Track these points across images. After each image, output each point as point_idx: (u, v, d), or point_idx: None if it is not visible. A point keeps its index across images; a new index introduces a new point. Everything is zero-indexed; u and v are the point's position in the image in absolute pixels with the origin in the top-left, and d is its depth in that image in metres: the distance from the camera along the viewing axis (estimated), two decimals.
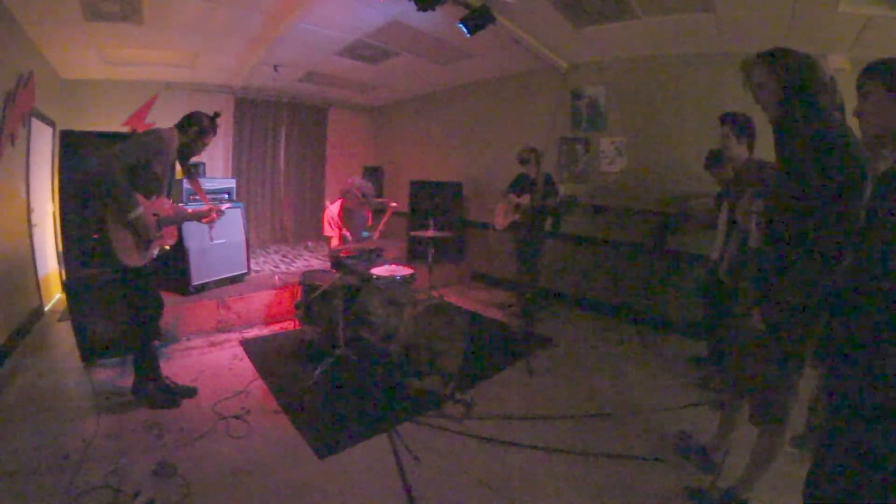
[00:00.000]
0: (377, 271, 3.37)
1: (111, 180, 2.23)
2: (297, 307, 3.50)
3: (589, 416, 2.69)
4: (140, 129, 3.88)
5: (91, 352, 3.07)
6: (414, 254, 5.58)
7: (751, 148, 2.61)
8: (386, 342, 2.94)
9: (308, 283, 3.42)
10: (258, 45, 4.72)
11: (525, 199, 4.08)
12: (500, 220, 4.36)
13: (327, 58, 5.21)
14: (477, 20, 3.58)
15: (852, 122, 1.41)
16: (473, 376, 3.06)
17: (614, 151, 4.72)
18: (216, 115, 2.70)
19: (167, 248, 2.70)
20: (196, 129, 2.57)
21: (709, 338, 3.39)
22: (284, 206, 7.35)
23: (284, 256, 6.14)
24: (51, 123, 4.55)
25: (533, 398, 2.89)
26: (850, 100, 1.42)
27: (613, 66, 4.66)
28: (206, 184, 4.55)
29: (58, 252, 4.61)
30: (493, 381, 3.11)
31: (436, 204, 5.82)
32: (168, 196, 2.64)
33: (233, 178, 6.13)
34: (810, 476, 1.35)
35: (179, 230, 3.09)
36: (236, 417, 2.51)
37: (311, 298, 3.27)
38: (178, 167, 2.72)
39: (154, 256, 2.56)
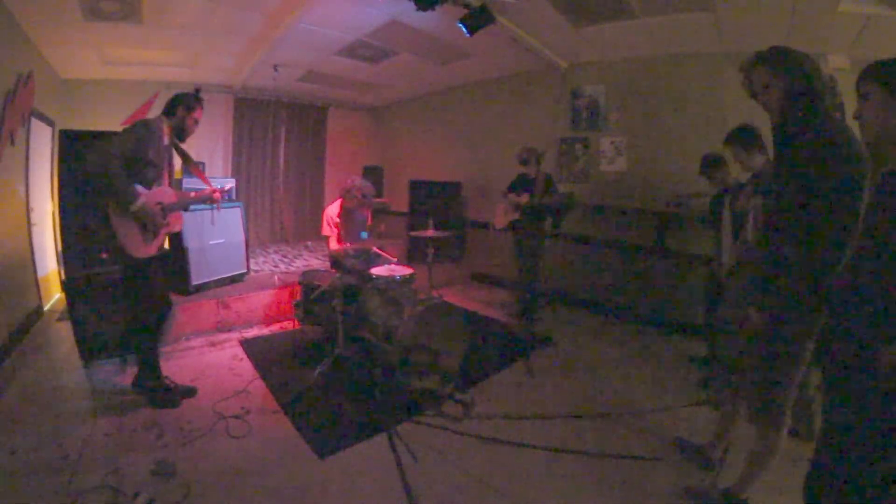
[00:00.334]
0: (377, 271, 3.37)
1: (109, 176, 2.24)
2: (296, 307, 3.50)
3: (588, 416, 2.69)
4: None
5: (90, 351, 3.07)
6: (413, 254, 5.58)
7: (763, 149, 2.58)
8: (385, 342, 2.93)
9: (307, 282, 3.42)
10: (258, 44, 4.72)
11: (524, 199, 4.08)
12: (500, 219, 4.35)
13: (327, 57, 5.21)
14: (477, 20, 3.58)
15: (852, 123, 1.41)
16: (473, 376, 3.06)
17: (614, 151, 4.72)
18: (198, 90, 2.71)
19: (177, 230, 2.73)
20: (183, 107, 2.58)
21: (709, 338, 3.39)
22: (284, 206, 7.35)
23: (284, 256, 6.14)
24: (50, 123, 4.55)
25: (532, 398, 2.89)
26: (849, 101, 1.42)
27: (613, 66, 4.66)
28: None
29: (57, 252, 4.61)
30: (492, 381, 3.10)
31: (435, 204, 5.82)
32: (170, 184, 2.64)
33: (232, 177, 6.14)
34: (810, 475, 1.35)
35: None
36: (236, 417, 2.51)
37: (311, 298, 3.27)
38: (177, 169, 2.73)
39: (162, 244, 2.59)
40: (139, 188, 2.38)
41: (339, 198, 3.86)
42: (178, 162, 2.76)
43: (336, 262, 3.59)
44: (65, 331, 3.41)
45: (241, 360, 3.33)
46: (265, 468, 2.11)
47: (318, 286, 3.21)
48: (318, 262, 5.63)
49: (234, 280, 4.34)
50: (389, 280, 3.25)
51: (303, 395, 2.77)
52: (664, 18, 3.65)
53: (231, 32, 4.38)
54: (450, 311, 2.96)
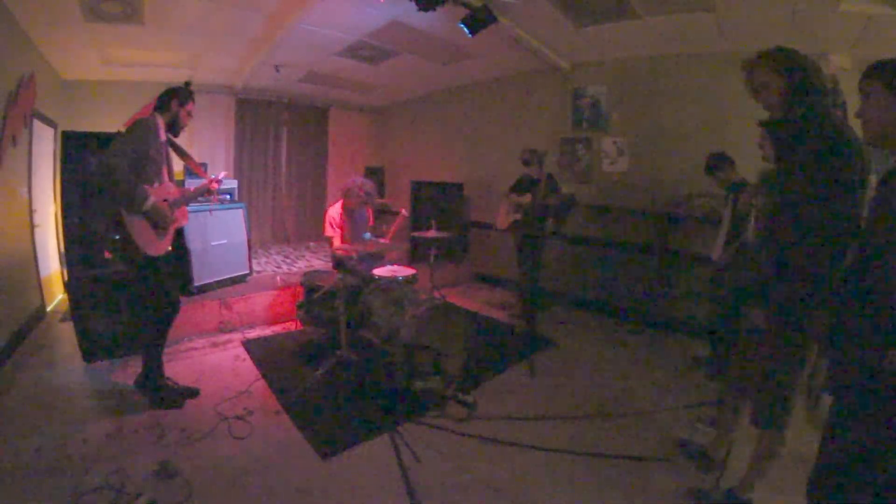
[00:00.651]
0: (379, 272, 3.37)
1: (118, 180, 2.25)
2: (298, 307, 3.50)
3: (591, 417, 2.68)
4: None
5: (93, 352, 3.08)
6: (416, 254, 5.57)
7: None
8: (388, 343, 2.93)
9: (310, 283, 3.42)
10: (259, 45, 4.72)
11: (527, 199, 4.08)
12: (502, 219, 4.34)
13: (328, 58, 5.21)
14: (478, 20, 3.58)
15: (854, 123, 1.41)
16: (475, 377, 3.06)
17: (616, 151, 4.71)
18: (188, 83, 2.74)
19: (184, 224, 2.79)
20: (176, 101, 2.58)
21: (711, 338, 3.38)
22: (286, 207, 7.35)
23: (286, 257, 6.15)
24: (52, 124, 4.55)
25: (534, 399, 2.88)
26: (851, 101, 1.42)
27: (615, 66, 4.66)
28: None
29: (60, 252, 4.62)
30: (494, 382, 3.10)
31: (437, 204, 5.82)
32: (170, 180, 2.66)
33: (234, 178, 6.14)
34: (814, 475, 1.35)
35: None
36: (238, 418, 2.51)
37: (313, 299, 3.27)
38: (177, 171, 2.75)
39: (172, 240, 2.64)
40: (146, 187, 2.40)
41: (341, 198, 3.86)
42: (178, 163, 2.77)
43: (339, 262, 3.58)
44: (67, 331, 3.41)
45: (244, 360, 3.33)
46: (267, 469, 2.11)
47: (321, 287, 3.21)
48: (320, 263, 5.64)
49: (236, 281, 4.35)
50: (392, 281, 3.25)
51: (305, 395, 2.77)
52: (666, 18, 3.64)
53: (232, 33, 4.39)
54: (452, 311, 2.96)
